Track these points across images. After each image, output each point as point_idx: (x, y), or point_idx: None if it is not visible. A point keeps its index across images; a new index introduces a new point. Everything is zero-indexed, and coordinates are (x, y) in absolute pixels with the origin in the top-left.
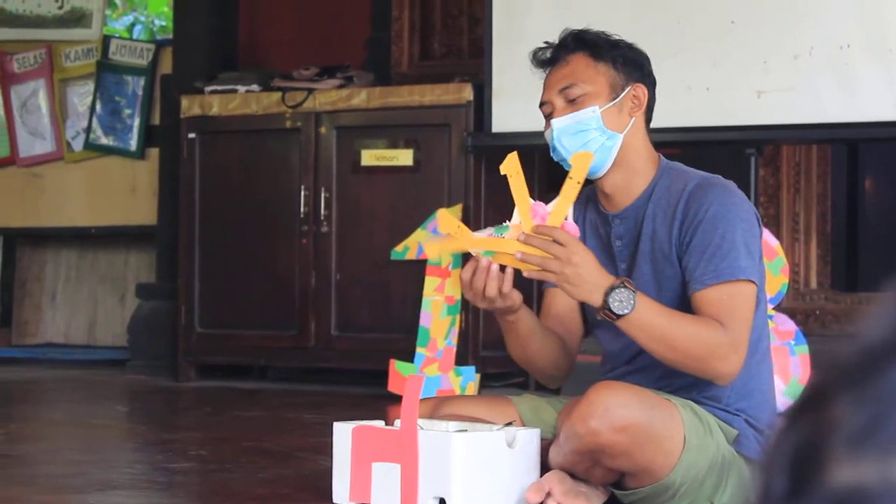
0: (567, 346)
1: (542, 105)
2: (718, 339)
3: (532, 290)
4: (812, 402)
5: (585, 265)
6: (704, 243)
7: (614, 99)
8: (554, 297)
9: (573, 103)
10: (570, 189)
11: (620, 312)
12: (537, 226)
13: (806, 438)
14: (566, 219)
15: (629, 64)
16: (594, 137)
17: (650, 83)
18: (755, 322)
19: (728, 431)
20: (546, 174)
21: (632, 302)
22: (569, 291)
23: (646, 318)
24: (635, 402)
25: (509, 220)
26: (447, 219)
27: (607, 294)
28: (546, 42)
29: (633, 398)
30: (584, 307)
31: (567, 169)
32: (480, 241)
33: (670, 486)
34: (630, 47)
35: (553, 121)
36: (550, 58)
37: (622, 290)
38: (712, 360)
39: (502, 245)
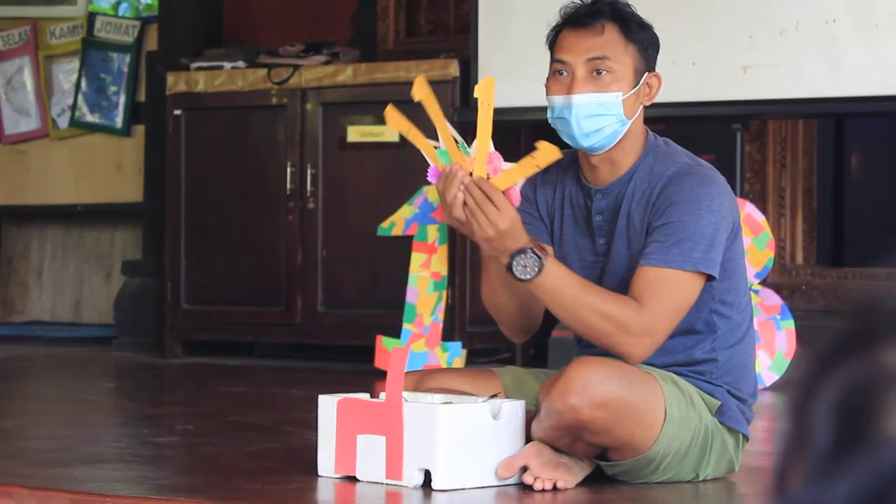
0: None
1: (559, 62)
2: (628, 318)
3: None
4: (855, 346)
5: (508, 234)
6: (665, 226)
7: (635, 86)
8: None
9: (597, 78)
10: (528, 167)
11: (522, 277)
12: (482, 180)
13: (854, 385)
14: (514, 185)
15: (650, 49)
16: (610, 123)
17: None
18: (738, 300)
19: (710, 402)
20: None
21: (536, 269)
22: (483, 247)
23: (551, 287)
24: (614, 378)
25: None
26: (422, 86)
27: (512, 257)
28: (581, 0)
29: (613, 373)
30: None
31: (563, 139)
32: (440, 135)
33: (653, 459)
34: (652, 32)
35: (575, 96)
36: (583, 17)
37: (527, 255)
38: (619, 336)
39: (459, 160)
